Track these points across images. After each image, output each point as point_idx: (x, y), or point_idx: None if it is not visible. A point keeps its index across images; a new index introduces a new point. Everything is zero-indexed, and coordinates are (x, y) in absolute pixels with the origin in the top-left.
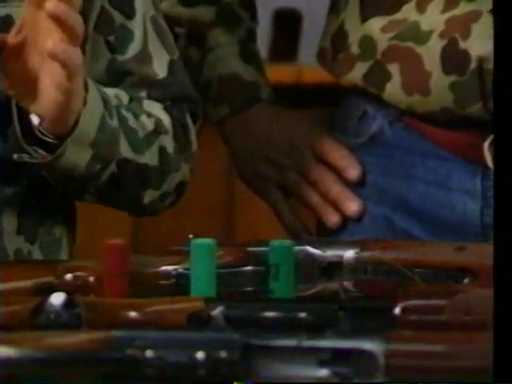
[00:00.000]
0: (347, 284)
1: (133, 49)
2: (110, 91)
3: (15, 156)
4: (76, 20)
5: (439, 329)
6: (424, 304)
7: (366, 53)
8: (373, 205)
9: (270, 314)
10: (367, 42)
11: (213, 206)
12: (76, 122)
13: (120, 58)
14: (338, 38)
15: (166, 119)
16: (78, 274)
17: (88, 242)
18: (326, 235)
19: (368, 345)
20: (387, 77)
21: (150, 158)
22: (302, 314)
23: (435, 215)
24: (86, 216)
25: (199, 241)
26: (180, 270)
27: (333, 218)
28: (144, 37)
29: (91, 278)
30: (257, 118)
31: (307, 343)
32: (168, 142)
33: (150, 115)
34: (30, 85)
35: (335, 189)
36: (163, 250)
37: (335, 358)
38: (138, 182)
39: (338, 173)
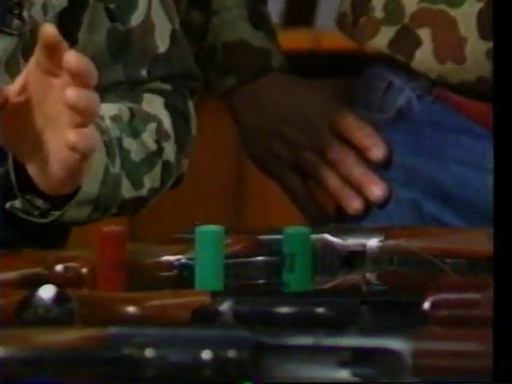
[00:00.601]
0: (370, 276)
1: (135, 18)
2: (112, 110)
3: (7, 204)
4: (94, 101)
5: (473, 325)
6: (456, 298)
7: (391, 17)
8: (399, 188)
9: (284, 309)
10: (393, 5)
11: (220, 189)
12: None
13: (121, 27)
14: (359, 1)
15: (166, 120)
16: (70, 264)
17: (81, 229)
18: (347, 223)
19: (394, 343)
20: (417, 43)
21: (151, 182)
22: (320, 310)
23: (469, 199)
24: None
25: (205, 228)
26: (183, 261)
27: (354, 204)
28: (148, 5)
29: (84, 270)
30: (268, 90)
31: (326, 342)
32: (170, 150)
33: (150, 119)
34: (29, 145)
35: (357, 170)
36: (165, 237)
37: (357, 357)
38: (138, 209)
39: (361, 152)
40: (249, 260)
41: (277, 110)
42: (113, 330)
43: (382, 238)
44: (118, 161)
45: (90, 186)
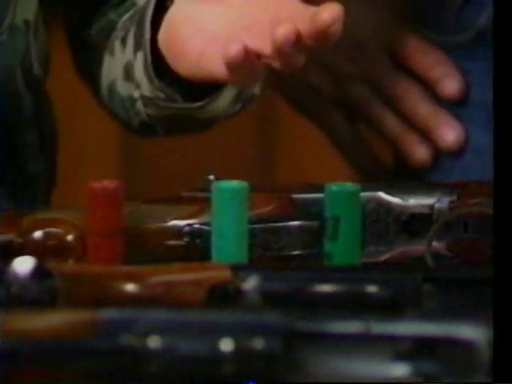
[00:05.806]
0: (438, 245)
1: None
2: None
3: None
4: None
5: None
6: None
7: None
8: (479, 132)
9: (325, 287)
10: None
11: (243, 137)
12: None
13: None
14: None
15: None
16: (52, 230)
17: (66, 185)
18: (409, 177)
19: (466, 331)
20: None
21: None
22: (372, 288)
23: None
24: (62, 151)
25: (224, 184)
26: (196, 226)
27: (419, 152)
28: None
29: (69, 237)
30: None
31: (379, 329)
32: None
33: None
34: None
35: (423, 109)
36: (172, 196)
37: (418, 349)
38: None
39: (428, 86)
40: (280, 225)
41: None
42: (107, 313)
43: (454, 198)
44: None
45: None
